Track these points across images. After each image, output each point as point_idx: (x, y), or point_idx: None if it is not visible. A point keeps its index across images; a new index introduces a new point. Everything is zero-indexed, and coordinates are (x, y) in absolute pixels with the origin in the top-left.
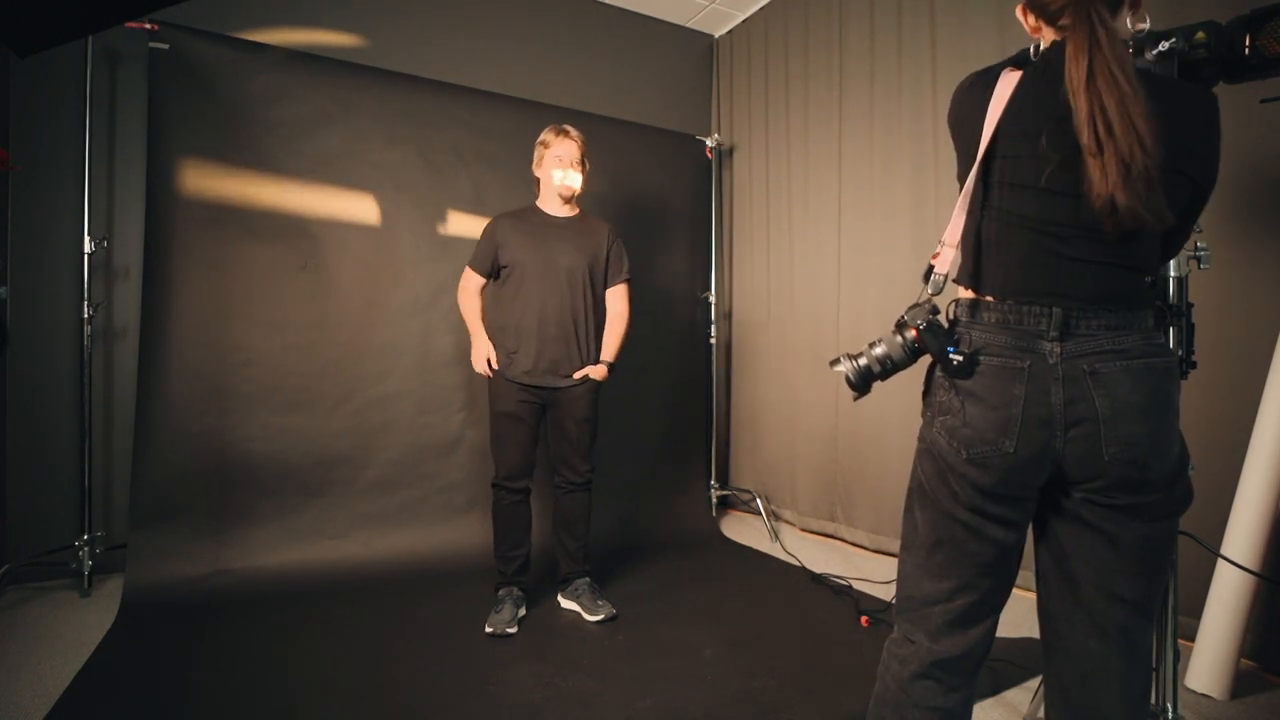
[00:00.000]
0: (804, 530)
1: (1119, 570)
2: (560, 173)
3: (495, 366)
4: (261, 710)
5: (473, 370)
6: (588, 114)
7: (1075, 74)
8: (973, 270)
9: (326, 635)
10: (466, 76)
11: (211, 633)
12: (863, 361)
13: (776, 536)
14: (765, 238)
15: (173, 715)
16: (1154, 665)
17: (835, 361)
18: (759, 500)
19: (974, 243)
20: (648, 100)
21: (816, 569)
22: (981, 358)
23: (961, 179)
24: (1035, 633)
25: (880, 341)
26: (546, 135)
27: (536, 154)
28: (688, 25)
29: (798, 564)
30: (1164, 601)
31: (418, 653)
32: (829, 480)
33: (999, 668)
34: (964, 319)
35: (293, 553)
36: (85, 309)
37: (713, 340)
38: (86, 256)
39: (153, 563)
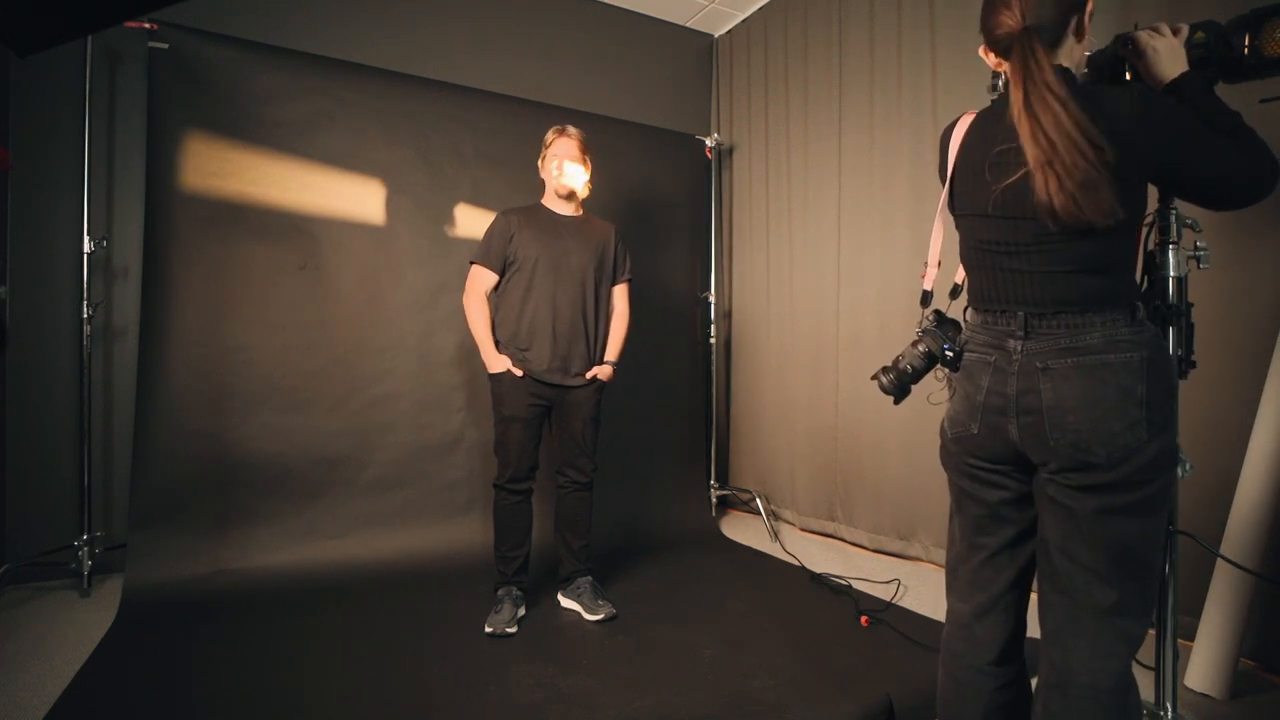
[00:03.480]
0: (804, 530)
1: (1079, 538)
2: (558, 169)
3: (516, 372)
4: (261, 710)
5: (473, 370)
6: (588, 114)
7: (1015, 101)
8: (968, 286)
9: (326, 635)
10: (466, 76)
11: (211, 633)
12: (892, 375)
13: (776, 536)
14: (765, 237)
15: (172, 715)
16: (1137, 651)
17: (875, 376)
18: (759, 500)
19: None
20: (648, 100)
21: (816, 569)
22: (965, 353)
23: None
24: (1033, 632)
25: (904, 355)
26: (548, 136)
27: (541, 156)
28: (688, 25)
29: (798, 564)
30: (1162, 597)
31: (417, 652)
32: (829, 480)
33: None
34: (966, 323)
35: (292, 553)
36: (85, 308)
37: (713, 340)
38: (86, 256)
39: (153, 563)
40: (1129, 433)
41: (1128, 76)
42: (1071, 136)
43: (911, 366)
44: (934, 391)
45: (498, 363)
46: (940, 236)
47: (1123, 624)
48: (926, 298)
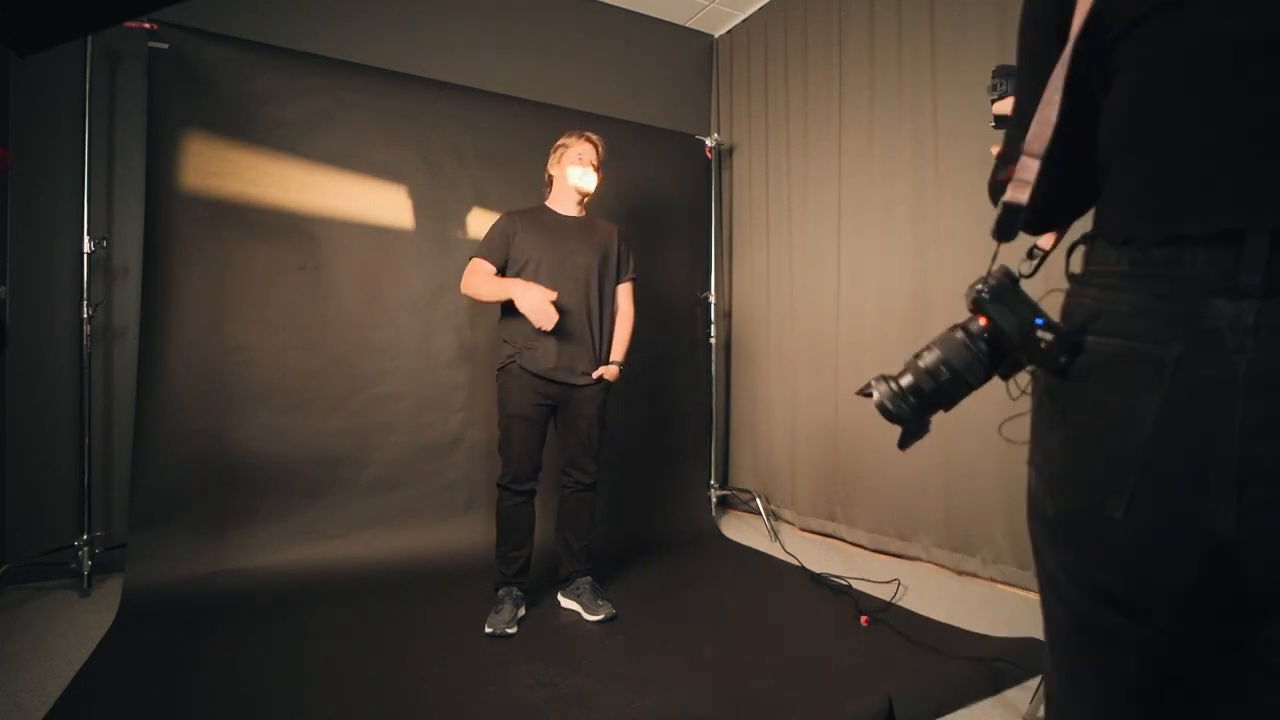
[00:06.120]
0: (804, 530)
1: None
2: (579, 171)
3: (550, 316)
4: (261, 710)
5: (473, 370)
6: (588, 114)
7: None
8: (1114, 185)
9: (326, 635)
10: (467, 76)
11: (211, 633)
12: (906, 381)
13: (776, 536)
14: (765, 237)
15: (172, 715)
16: None
17: (864, 390)
18: (759, 500)
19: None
20: (648, 100)
21: (816, 569)
22: (1091, 337)
23: None
24: (1036, 633)
25: (931, 349)
26: (567, 138)
27: (555, 155)
28: (688, 25)
29: (798, 564)
30: None
31: (417, 652)
32: (829, 480)
33: (1000, 667)
34: (1079, 279)
35: (292, 553)
36: (85, 308)
37: (713, 340)
38: (86, 256)
39: (153, 563)
40: None
41: None
42: None
43: (948, 370)
44: (1007, 418)
45: (529, 287)
46: (1057, 102)
47: None
48: (1010, 223)
